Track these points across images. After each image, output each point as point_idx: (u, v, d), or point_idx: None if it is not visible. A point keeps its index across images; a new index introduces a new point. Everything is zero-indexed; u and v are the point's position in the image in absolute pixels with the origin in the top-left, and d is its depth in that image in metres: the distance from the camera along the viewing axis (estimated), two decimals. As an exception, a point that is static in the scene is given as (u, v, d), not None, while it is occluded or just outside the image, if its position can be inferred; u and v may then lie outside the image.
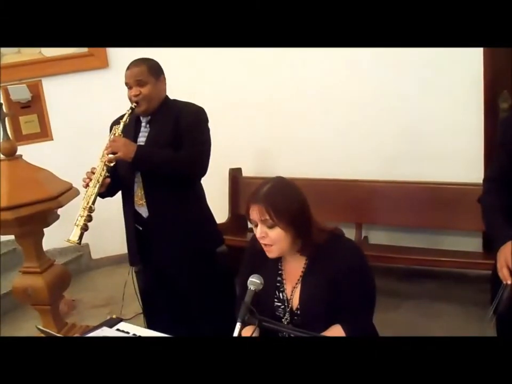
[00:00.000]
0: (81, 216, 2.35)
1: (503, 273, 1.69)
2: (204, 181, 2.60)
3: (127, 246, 2.63)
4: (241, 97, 4.17)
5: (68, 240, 2.34)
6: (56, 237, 3.93)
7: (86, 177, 2.42)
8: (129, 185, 2.51)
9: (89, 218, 2.36)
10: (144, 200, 2.49)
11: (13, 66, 4.18)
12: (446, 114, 3.61)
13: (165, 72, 2.55)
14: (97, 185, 2.37)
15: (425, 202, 3.60)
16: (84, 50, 4.26)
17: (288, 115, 4.09)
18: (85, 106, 4.34)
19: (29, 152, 3.10)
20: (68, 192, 2.84)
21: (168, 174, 2.42)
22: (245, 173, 4.28)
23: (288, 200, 1.73)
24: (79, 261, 4.56)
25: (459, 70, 3.51)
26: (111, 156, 2.38)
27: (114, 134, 2.46)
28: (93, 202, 2.36)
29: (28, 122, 4.35)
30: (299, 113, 4.06)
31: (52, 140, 4.42)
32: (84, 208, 2.36)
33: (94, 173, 2.40)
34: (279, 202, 1.70)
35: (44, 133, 4.41)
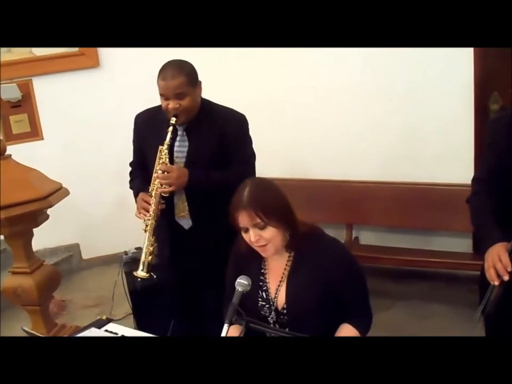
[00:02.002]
0: (148, 250, 2.33)
1: (490, 274, 1.70)
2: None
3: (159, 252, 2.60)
4: (238, 98, 4.14)
5: (137, 274, 2.33)
6: (46, 237, 3.95)
7: (141, 208, 2.37)
8: (168, 197, 2.40)
9: (154, 249, 2.35)
10: (187, 212, 2.44)
11: (3, 65, 4.15)
12: (437, 116, 3.63)
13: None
14: (156, 215, 2.33)
15: (416, 203, 3.62)
16: (75, 49, 4.21)
17: (284, 116, 4.08)
18: (75, 106, 4.31)
19: (19, 151, 3.09)
20: (58, 192, 2.82)
21: (220, 193, 2.32)
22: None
23: (271, 197, 1.77)
24: (70, 261, 4.52)
25: (450, 72, 3.52)
26: (165, 188, 2.31)
27: (161, 157, 2.34)
28: (154, 234, 2.34)
29: (18, 122, 4.30)
30: (292, 114, 4.05)
31: (43, 139, 4.38)
32: (147, 244, 2.33)
33: (149, 203, 2.33)
34: (265, 202, 1.73)
35: (34, 133, 4.37)
